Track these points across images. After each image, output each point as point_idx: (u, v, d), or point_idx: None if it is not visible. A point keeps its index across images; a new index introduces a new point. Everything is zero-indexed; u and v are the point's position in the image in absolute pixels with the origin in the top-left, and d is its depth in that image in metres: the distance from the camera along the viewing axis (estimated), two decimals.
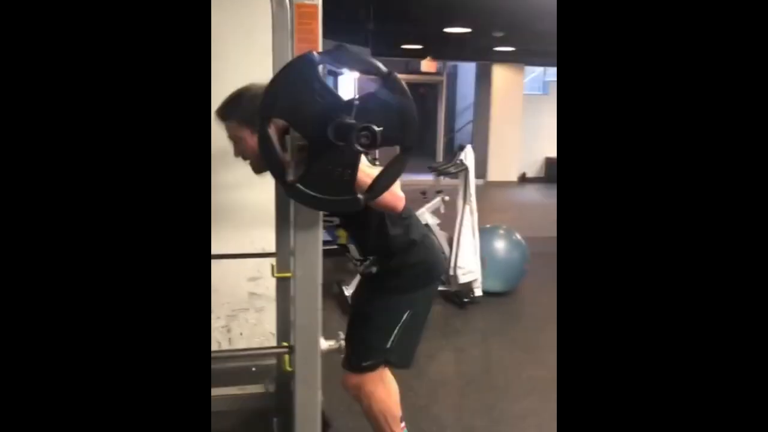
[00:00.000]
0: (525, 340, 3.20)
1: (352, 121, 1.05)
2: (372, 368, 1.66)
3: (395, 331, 1.64)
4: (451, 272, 3.61)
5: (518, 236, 3.96)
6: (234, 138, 1.59)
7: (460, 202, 3.60)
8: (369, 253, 1.68)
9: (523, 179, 10.68)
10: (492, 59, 9.47)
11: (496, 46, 8.28)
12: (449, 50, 9.01)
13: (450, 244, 3.64)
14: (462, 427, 2.27)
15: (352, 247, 1.69)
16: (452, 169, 3.56)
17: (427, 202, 3.74)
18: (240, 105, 1.55)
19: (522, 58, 9.65)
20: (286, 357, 1.29)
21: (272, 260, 2.28)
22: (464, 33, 6.99)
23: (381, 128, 1.04)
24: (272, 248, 2.39)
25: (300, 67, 1.06)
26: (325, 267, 1.27)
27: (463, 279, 3.57)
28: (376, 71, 1.09)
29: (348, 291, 3.56)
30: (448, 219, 3.76)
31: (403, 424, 1.92)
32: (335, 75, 5.19)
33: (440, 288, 3.75)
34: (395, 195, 1.46)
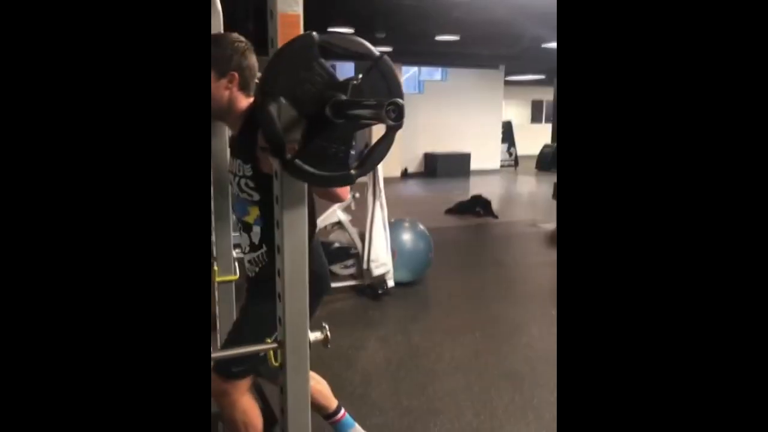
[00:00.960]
0: (440, 324, 3.42)
1: (386, 100, 1.10)
2: (240, 375, 1.59)
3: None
4: (365, 266, 3.73)
5: (422, 227, 4.19)
6: None
7: (369, 198, 3.73)
8: (267, 242, 1.60)
9: (405, 174, 11.11)
10: None
11: (376, 47, 8.53)
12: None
13: (362, 240, 3.76)
14: (401, 409, 2.40)
15: (256, 230, 1.62)
16: None
17: None
18: (217, 46, 1.52)
19: (399, 58, 10.01)
20: (270, 353, 1.32)
21: None
22: (347, 33, 7.12)
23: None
24: None
25: (301, 46, 1.09)
26: None
27: (376, 272, 3.71)
28: (368, 54, 1.15)
29: None
30: (359, 215, 3.88)
31: (343, 411, 2.00)
32: None
33: (353, 283, 3.87)
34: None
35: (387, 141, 1.22)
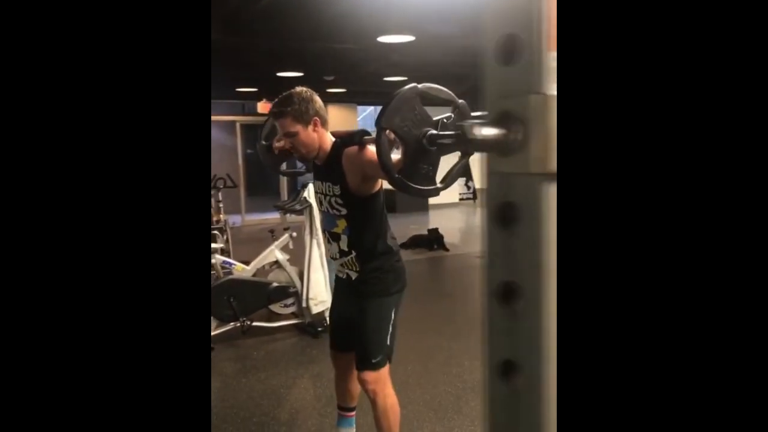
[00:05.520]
0: None
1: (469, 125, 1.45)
2: (382, 364, 1.95)
3: (389, 330, 1.95)
4: (304, 304, 3.78)
5: None
6: (289, 133, 1.83)
7: (307, 237, 3.81)
8: (355, 248, 1.92)
9: None
10: (326, 101, 9.92)
11: (329, 88, 8.75)
12: (283, 92, 9.34)
13: (301, 278, 3.82)
14: None
15: (344, 238, 1.92)
16: (297, 207, 3.77)
17: (276, 239, 3.90)
18: (293, 104, 1.80)
19: (353, 98, 10.27)
20: None
21: None
22: (296, 76, 7.32)
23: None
24: None
25: (408, 95, 1.45)
26: None
27: (315, 309, 3.76)
28: (452, 100, 1.54)
29: None
30: (297, 254, 3.95)
31: None
32: None
33: (294, 321, 3.91)
34: None
35: (462, 164, 1.60)
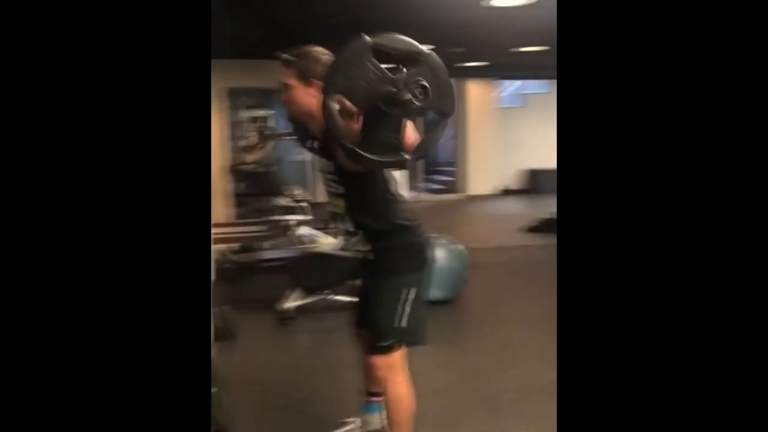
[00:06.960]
0: (440, 346, 3.25)
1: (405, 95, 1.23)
2: (392, 348, 1.78)
3: (404, 311, 1.75)
4: None
5: (460, 246, 4.03)
6: (286, 84, 1.75)
7: None
8: (361, 227, 1.78)
9: (507, 192, 10.74)
10: (460, 75, 9.53)
11: (459, 62, 8.38)
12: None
13: None
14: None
15: (347, 219, 1.80)
16: None
17: None
18: (305, 59, 1.70)
19: (494, 72, 9.78)
20: None
21: None
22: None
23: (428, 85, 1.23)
24: None
25: (355, 49, 1.23)
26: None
27: None
28: (417, 51, 1.26)
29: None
30: None
31: None
32: None
33: None
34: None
35: (439, 128, 1.37)
